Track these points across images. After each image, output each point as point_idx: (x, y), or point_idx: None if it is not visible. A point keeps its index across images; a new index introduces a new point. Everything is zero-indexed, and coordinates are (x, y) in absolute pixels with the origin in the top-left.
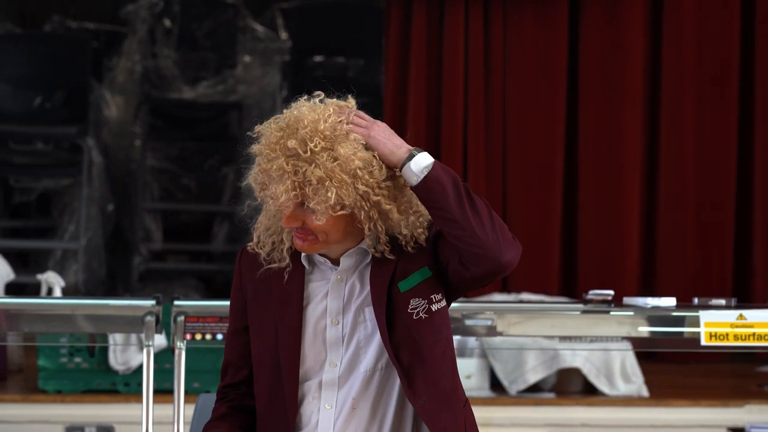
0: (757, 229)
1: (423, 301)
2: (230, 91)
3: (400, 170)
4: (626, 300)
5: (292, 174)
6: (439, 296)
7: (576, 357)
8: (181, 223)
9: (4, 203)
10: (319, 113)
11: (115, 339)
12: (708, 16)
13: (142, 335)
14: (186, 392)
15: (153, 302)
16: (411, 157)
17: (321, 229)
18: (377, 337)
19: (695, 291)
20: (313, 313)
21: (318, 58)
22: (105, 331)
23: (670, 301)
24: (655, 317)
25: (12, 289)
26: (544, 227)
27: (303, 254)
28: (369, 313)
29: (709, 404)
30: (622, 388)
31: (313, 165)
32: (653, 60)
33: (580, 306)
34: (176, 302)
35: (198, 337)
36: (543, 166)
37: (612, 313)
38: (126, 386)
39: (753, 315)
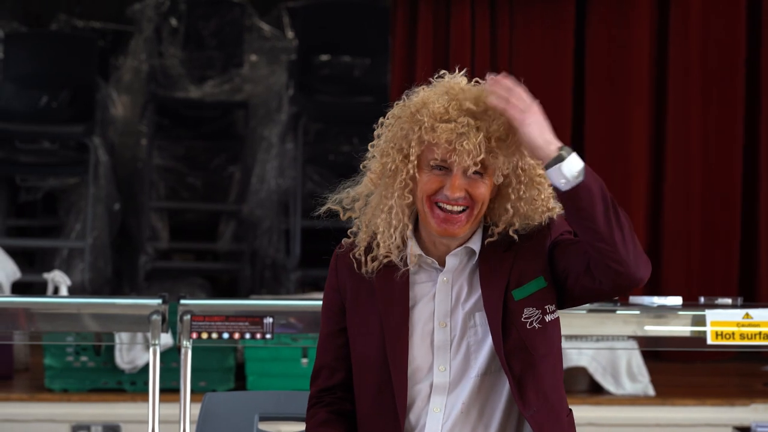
0: (763, 228)
1: (537, 311)
2: (236, 90)
3: (545, 168)
4: (632, 299)
5: (476, 129)
6: (553, 307)
7: (582, 356)
8: (187, 222)
9: (11, 202)
10: (474, 85)
11: (121, 338)
12: (714, 14)
13: (148, 334)
14: (192, 391)
15: (159, 301)
16: (561, 158)
17: (482, 197)
18: (488, 342)
19: (701, 290)
20: (420, 315)
21: (324, 57)
22: (111, 329)
23: (676, 300)
24: (662, 316)
25: (18, 288)
26: None
27: (412, 253)
28: (480, 317)
29: (715, 403)
30: (629, 387)
31: (495, 120)
32: (660, 59)
33: (587, 305)
34: (182, 301)
35: (204, 335)
36: None
37: (618, 312)
38: (132, 385)
39: (759, 314)
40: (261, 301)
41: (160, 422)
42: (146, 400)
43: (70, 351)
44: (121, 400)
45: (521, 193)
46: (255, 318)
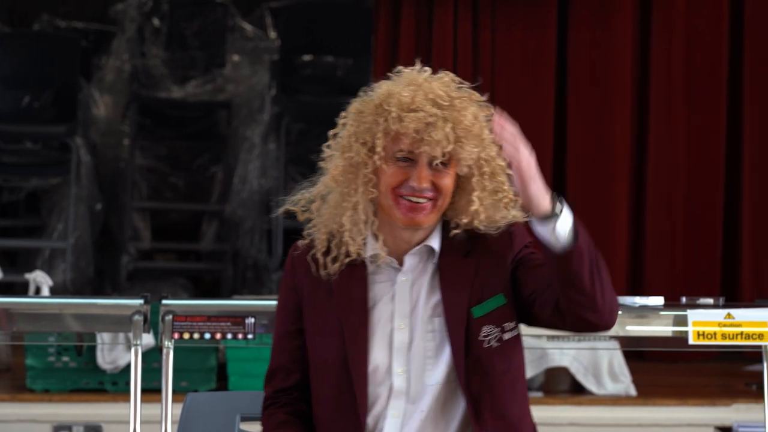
0: (745, 228)
1: (496, 330)
2: (219, 90)
3: (537, 224)
4: None
5: (443, 119)
6: (512, 324)
7: (564, 356)
8: (170, 222)
9: None
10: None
11: (103, 338)
12: (697, 16)
13: (130, 334)
14: (174, 391)
15: (141, 301)
16: (555, 215)
17: (446, 188)
18: (447, 351)
19: (683, 290)
20: (379, 316)
21: (307, 57)
22: (93, 330)
23: (658, 300)
24: (643, 316)
25: (0, 288)
26: None
27: (369, 253)
28: (439, 323)
29: (696, 403)
30: (610, 387)
31: (461, 110)
32: (642, 61)
33: None
34: (164, 301)
35: (186, 336)
36: None
37: None
38: (114, 385)
39: (741, 314)
40: (243, 302)
41: (141, 422)
42: (128, 400)
43: (51, 351)
44: (103, 401)
45: (485, 184)
46: (237, 318)
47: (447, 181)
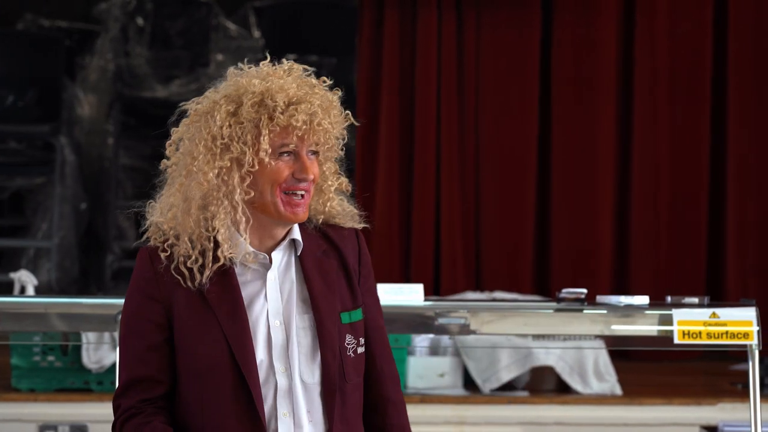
0: (730, 227)
1: (354, 340)
2: (203, 90)
3: None
4: (599, 298)
5: (321, 108)
6: (363, 340)
7: (549, 355)
8: None
9: None
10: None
11: (88, 337)
12: (681, 16)
13: (115, 333)
14: None
15: None
16: None
17: (318, 176)
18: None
19: (668, 289)
20: (256, 315)
21: (291, 57)
22: (78, 329)
23: (643, 300)
24: (629, 316)
25: None
26: (517, 226)
27: (239, 256)
28: (309, 320)
29: (682, 402)
30: (596, 387)
31: (323, 95)
32: (626, 60)
33: (554, 304)
34: None
35: None
36: (516, 165)
37: (585, 311)
38: (99, 385)
39: (726, 313)
40: None
41: None
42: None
43: (36, 351)
44: (89, 400)
45: (332, 168)
46: None
47: (318, 171)
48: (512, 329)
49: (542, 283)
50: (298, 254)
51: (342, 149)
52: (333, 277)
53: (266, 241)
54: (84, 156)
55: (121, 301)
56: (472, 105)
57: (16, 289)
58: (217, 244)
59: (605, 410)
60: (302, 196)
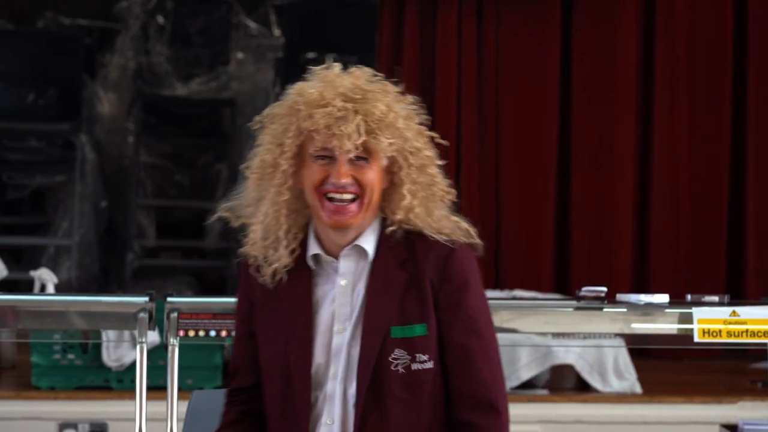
0: (750, 226)
1: (406, 356)
2: (223, 88)
3: None
4: (619, 297)
5: (354, 112)
6: (426, 358)
7: (569, 353)
8: (174, 219)
9: None
10: (355, 74)
11: (108, 336)
12: (700, 14)
13: (135, 332)
14: (179, 389)
15: (146, 299)
16: None
17: (370, 183)
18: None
19: (688, 288)
20: (322, 320)
21: (311, 55)
22: (98, 327)
23: (663, 298)
24: (648, 314)
25: (5, 286)
26: (537, 224)
27: (309, 254)
28: (360, 331)
29: (702, 401)
30: (615, 385)
31: (372, 101)
32: (646, 59)
33: (573, 303)
34: (169, 299)
35: (191, 333)
36: (536, 164)
37: (605, 309)
38: (119, 383)
39: (746, 312)
40: None
41: (147, 420)
42: (133, 397)
43: (57, 349)
44: (108, 398)
45: (414, 176)
46: None
47: (369, 176)
48: (532, 327)
49: (562, 281)
50: (369, 263)
51: (431, 158)
52: (398, 289)
53: (331, 246)
54: (104, 154)
55: (141, 299)
56: (492, 104)
57: (37, 287)
58: (289, 244)
59: (625, 409)
60: (343, 201)
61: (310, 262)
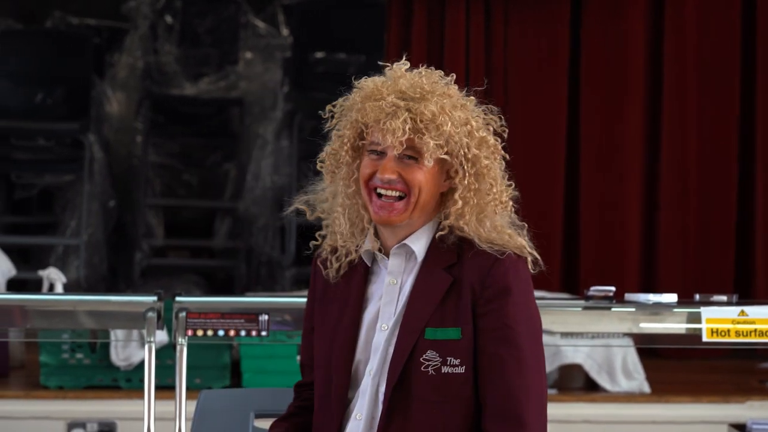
0: (759, 225)
1: (438, 358)
2: (232, 87)
3: None
4: (628, 296)
5: (405, 110)
6: (457, 362)
7: (578, 353)
8: (183, 219)
9: (6, 199)
10: (421, 73)
11: (117, 335)
12: (710, 9)
13: (144, 331)
14: (188, 388)
15: (154, 298)
16: None
17: (417, 182)
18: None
19: (696, 287)
20: (368, 317)
21: (319, 54)
22: (106, 327)
23: (671, 298)
24: (657, 313)
25: (13, 285)
26: (545, 224)
27: (364, 249)
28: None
29: (710, 400)
30: (624, 385)
31: (425, 102)
32: (655, 56)
33: (582, 302)
34: (178, 298)
35: (199, 333)
36: (544, 163)
37: (613, 309)
38: (128, 382)
39: (754, 311)
40: (256, 299)
41: (155, 419)
42: (142, 397)
43: (65, 348)
44: (117, 398)
45: (469, 183)
46: (250, 315)
47: (416, 176)
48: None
49: (570, 281)
50: (417, 266)
51: (489, 168)
52: (440, 292)
53: (385, 243)
54: (113, 153)
55: (150, 298)
56: (501, 100)
57: (45, 286)
58: (357, 237)
59: (634, 408)
60: (389, 198)
61: (365, 258)
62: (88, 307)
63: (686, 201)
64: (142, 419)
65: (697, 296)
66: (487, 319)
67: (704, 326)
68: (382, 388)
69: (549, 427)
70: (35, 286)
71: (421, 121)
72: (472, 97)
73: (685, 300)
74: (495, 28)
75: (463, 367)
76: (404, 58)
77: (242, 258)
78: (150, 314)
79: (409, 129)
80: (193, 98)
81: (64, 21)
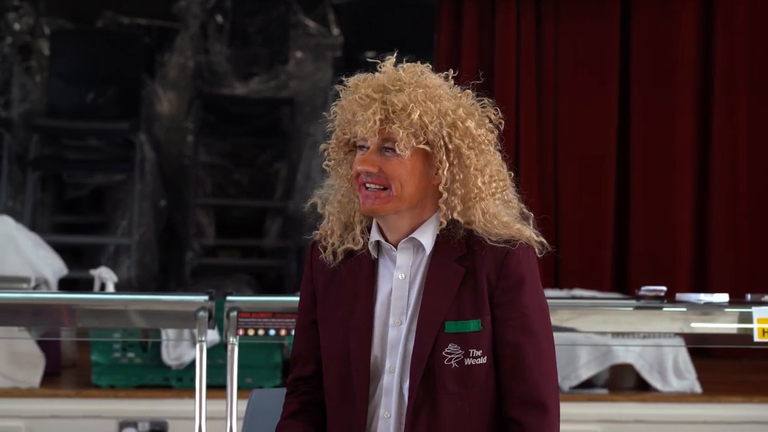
0: None
1: (459, 351)
2: (282, 87)
3: None
4: (679, 296)
5: (379, 102)
6: (479, 353)
7: (629, 353)
8: (234, 218)
9: (58, 199)
10: (409, 67)
11: (168, 334)
12: (761, 9)
13: (195, 330)
14: (238, 387)
15: (206, 297)
16: None
17: (397, 175)
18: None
19: (748, 287)
20: (380, 310)
21: (369, 54)
22: (158, 326)
23: (722, 297)
24: (708, 313)
25: (65, 285)
26: (596, 224)
27: (371, 241)
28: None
29: (761, 400)
30: (675, 384)
31: (399, 93)
32: (705, 55)
33: (633, 302)
34: (229, 297)
35: (250, 332)
36: (595, 163)
37: (665, 309)
38: (179, 381)
39: None
40: None
41: (206, 418)
42: (193, 396)
43: (116, 347)
44: (168, 397)
45: (454, 174)
46: None
47: (396, 168)
48: (591, 327)
49: (621, 280)
50: (426, 259)
51: (472, 159)
52: (454, 285)
53: (389, 237)
54: (163, 153)
55: (201, 298)
56: (551, 100)
57: (97, 286)
58: (354, 231)
59: (685, 408)
60: (374, 188)
61: (372, 251)
62: (140, 307)
63: (737, 200)
64: (193, 418)
65: (749, 296)
66: (504, 308)
67: (755, 326)
68: (406, 385)
69: (600, 426)
70: (87, 286)
71: (393, 112)
72: (468, 91)
73: (736, 300)
74: (545, 28)
75: (485, 357)
76: (454, 59)
77: (293, 257)
78: (201, 314)
79: (379, 119)
80: (244, 98)
81: (116, 21)
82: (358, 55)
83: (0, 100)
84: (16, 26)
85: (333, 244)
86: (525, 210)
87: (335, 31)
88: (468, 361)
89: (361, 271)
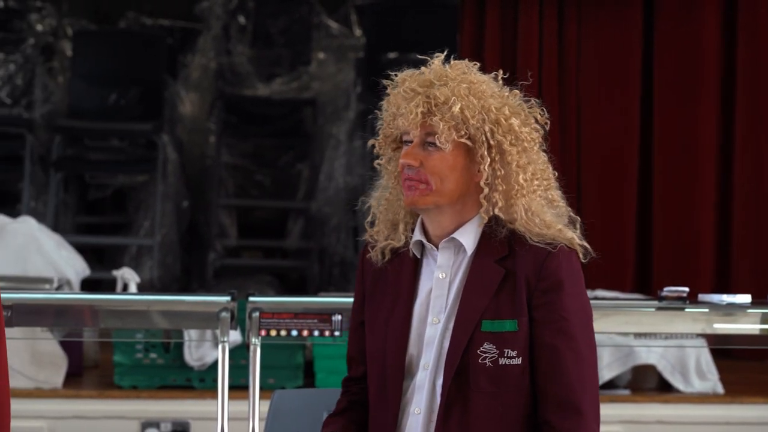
0: None
1: (494, 350)
2: (304, 88)
3: None
4: (701, 297)
5: (423, 95)
6: (514, 353)
7: (651, 354)
8: (256, 219)
9: (80, 199)
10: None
11: (190, 335)
12: None
13: (217, 331)
14: (261, 388)
15: (228, 298)
16: None
17: (438, 170)
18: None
19: None
20: (419, 310)
21: (392, 55)
22: (180, 327)
23: (745, 298)
24: (731, 314)
25: (87, 285)
26: (619, 224)
27: (413, 241)
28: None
29: None
30: (698, 385)
31: (443, 86)
32: (729, 57)
33: (655, 303)
34: (251, 298)
35: (273, 333)
36: (617, 165)
37: (687, 309)
38: (201, 382)
39: None
40: (329, 299)
41: (229, 419)
42: (215, 397)
43: (139, 348)
44: (190, 397)
45: (495, 170)
46: (324, 315)
47: (435, 163)
48: (614, 327)
49: (644, 281)
50: (468, 260)
51: (515, 157)
52: (493, 285)
53: (432, 236)
54: (186, 154)
55: (223, 298)
56: (574, 103)
57: (119, 286)
58: (401, 229)
59: (707, 409)
60: (412, 182)
61: (415, 250)
62: (162, 307)
63: (760, 201)
64: (216, 419)
65: None
66: (542, 310)
67: None
68: (439, 382)
69: (622, 427)
70: (109, 286)
71: (435, 105)
72: (516, 91)
73: (759, 300)
74: (568, 30)
75: (520, 358)
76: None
77: (315, 258)
78: (223, 314)
79: (421, 112)
80: (266, 99)
81: (138, 22)
82: (380, 56)
83: (22, 101)
84: (39, 27)
85: (380, 243)
86: (572, 214)
87: (357, 32)
88: (502, 361)
89: (403, 270)
